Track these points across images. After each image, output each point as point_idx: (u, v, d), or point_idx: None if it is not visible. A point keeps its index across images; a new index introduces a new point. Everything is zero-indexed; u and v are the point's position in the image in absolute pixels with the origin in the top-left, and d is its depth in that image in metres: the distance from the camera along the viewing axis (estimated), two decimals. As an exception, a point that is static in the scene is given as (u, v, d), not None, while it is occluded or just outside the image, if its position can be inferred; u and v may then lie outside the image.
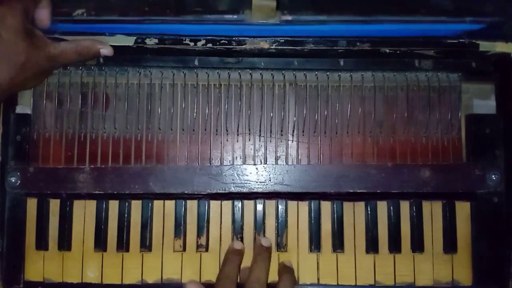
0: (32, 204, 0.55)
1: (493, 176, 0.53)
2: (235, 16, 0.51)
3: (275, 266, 0.55)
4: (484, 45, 0.54)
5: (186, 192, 0.53)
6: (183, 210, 0.56)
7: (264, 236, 0.55)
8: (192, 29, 0.53)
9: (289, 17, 0.51)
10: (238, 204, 0.56)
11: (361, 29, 0.53)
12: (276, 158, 0.57)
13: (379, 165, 0.54)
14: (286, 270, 0.53)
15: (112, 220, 0.56)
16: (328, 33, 0.53)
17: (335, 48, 0.54)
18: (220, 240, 0.56)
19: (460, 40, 0.54)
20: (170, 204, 0.56)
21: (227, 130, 0.57)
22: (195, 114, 0.56)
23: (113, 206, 0.56)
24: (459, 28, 0.53)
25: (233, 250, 0.53)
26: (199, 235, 0.55)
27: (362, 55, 0.56)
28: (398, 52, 0.55)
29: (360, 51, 0.54)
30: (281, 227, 0.56)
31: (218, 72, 0.57)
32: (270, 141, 0.57)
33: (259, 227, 0.56)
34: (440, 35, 0.54)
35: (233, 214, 0.56)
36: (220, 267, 0.54)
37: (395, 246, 0.55)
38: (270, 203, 0.56)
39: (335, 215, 0.56)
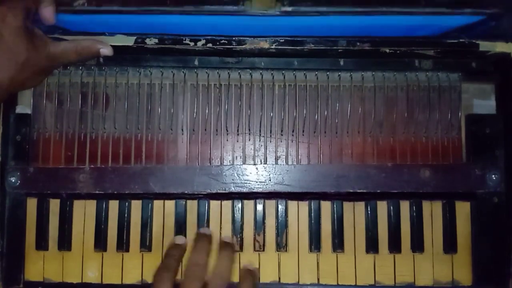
0: (32, 204, 0.55)
1: (493, 176, 0.53)
2: (235, 7, 0.51)
3: (274, 266, 0.55)
4: (484, 45, 0.54)
5: (186, 192, 0.53)
6: (183, 210, 0.56)
7: (263, 235, 0.55)
8: (192, 22, 0.53)
9: (288, 8, 0.51)
10: (238, 204, 0.56)
11: (360, 21, 0.53)
12: (276, 158, 0.57)
13: (379, 165, 0.54)
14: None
15: (112, 220, 0.55)
16: (327, 27, 0.53)
17: (335, 48, 0.54)
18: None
19: (460, 40, 0.54)
20: (170, 204, 0.56)
21: (227, 130, 0.57)
22: (195, 114, 0.56)
23: (113, 206, 0.56)
24: (459, 21, 0.53)
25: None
26: (199, 235, 0.55)
27: (362, 55, 0.56)
28: (398, 52, 0.54)
29: (360, 51, 0.54)
30: (281, 227, 0.56)
31: (218, 72, 0.57)
32: (270, 141, 0.57)
33: (259, 227, 0.56)
34: (439, 29, 0.53)
35: (233, 214, 0.56)
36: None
37: (395, 246, 0.55)
38: (270, 203, 0.56)
39: (335, 215, 0.56)
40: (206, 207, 0.56)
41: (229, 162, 0.56)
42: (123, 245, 0.55)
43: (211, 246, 0.49)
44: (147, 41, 0.53)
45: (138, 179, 0.53)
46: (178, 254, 0.48)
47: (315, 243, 0.55)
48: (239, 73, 0.57)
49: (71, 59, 0.52)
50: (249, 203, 0.56)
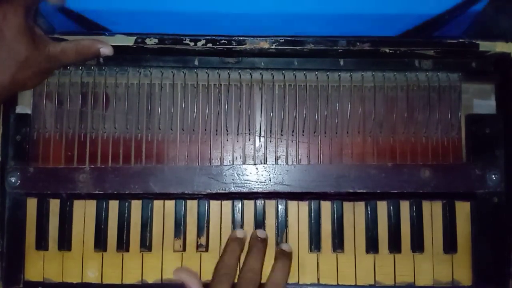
0: (32, 204, 0.55)
1: (493, 176, 0.53)
2: None
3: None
4: (484, 45, 0.54)
5: (186, 192, 0.53)
6: (183, 210, 0.56)
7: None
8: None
9: None
10: (238, 204, 0.56)
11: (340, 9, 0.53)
12: (276, 158, 0.57)
13: (379, 165, 0.54)
14: (282, 255, 0.52)
15: (112, 220, 0.55)
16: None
17: (335, 48, 0.54)
18: (220, 240, 0.56)
19: (460, 40, 0.54)
20: (170, 204, 0.56)
21: (227, 130, 0.57)
22: (195, 114, 0.56)
23: (113, 206, 0.56)
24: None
25: (234, 239, 0.52)
26: (199, 235, 0.55)
27: (362, 55, 0.56)
28: (398, 52, 0.54)
29: (360, 51, 0.54)
30: (281, 227, 0.56)
31: (218, 72, 0.57)
32: (270, 141, 0.57)
33: (259, 227, 0.55)
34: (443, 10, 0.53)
35: (233, 214, 0.56)
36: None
37: (395, 246, 0.55)
38: (270, 203, 0.56)
39: (335, 215, 0.56)
40: (206, 207, 0.56)
41: (229, 162, 0.56)
42: (123, 245, 0.55)
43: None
44: (147, 41, 0.53)
45: (138, 179, 0.53)
46: (239, 250, 0.50)
47: (315, 243, 0.55)
48: (239, 73, 0.57)
49: (71, 59, 0.52)
50: (249, 203, 0.56)
